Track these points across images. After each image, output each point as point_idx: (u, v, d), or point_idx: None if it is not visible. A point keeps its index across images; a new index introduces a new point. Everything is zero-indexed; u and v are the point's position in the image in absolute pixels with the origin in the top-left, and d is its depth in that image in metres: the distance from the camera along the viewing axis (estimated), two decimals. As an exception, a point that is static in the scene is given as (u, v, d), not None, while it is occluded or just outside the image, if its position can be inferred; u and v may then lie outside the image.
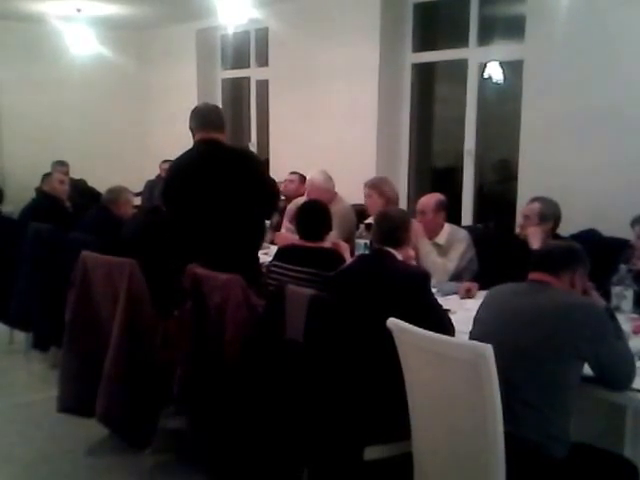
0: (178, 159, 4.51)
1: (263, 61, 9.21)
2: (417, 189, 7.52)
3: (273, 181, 4.67)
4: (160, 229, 4.76)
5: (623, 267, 3.90)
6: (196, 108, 4.53)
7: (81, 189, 8.56)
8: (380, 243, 3.61)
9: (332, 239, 4.50)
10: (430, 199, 5.05)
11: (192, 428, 4.04)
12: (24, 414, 4.93)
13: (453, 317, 3.58)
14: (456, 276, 4.80)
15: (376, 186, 5.47)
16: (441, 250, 4.94)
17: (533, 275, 2.99)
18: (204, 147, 4.36)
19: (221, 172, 4.25)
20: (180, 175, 4.43)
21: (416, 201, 5.26)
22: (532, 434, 2.70)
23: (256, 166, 4.53)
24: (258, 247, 4.62)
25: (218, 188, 4.24)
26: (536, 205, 4.57)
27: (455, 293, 4.46)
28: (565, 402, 2.76)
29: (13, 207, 7.62)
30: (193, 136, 4.44)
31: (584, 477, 2.74)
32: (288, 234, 5.69)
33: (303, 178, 6.72)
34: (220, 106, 6.70)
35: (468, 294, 4.41)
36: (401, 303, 3.20)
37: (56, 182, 6.95)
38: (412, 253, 3.84)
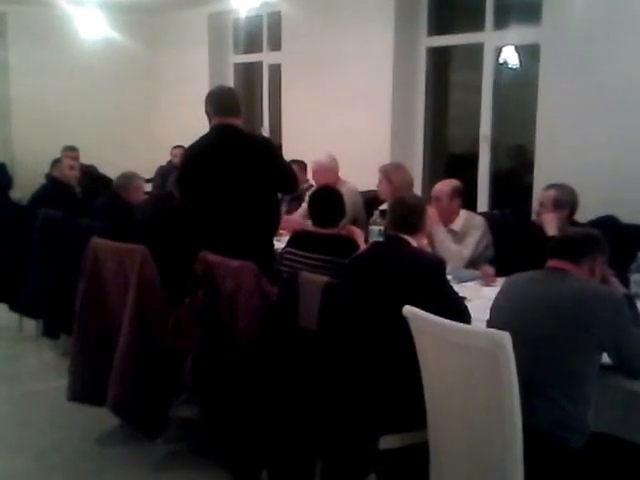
0: (194, 144, 4.49)
1: (276, 45, 9.14)
2: (432, 175, 7.45)
3: (289, 166, 4.64)
4: (171, 215, 4.76)
5: (642, 255, 3.87)
6: (211, 92, 4.50)
7: (91, 175, 8.51)
8: (395, 230, 3.59)
9: (343, 223, 4.46)
10: (445, 185, 5.02)
11: (204, 417, 4.01)
12: (34, 403, 4.92)
13: (470, 305, 3.54)
14: (472, 263, 4.75)
15: (386, 172, 5.45)
16: (457, 237, 4.90)
17: (552, 262, 2.94)
18: (220, 132, 4.35)
19: (237, 158, 4.25)
20: (195, 160, 4.43)
21: (431, 187, 5.22)
22: (550, 424, 2.67)
23: (272, 151, 4.49)
24: (273, 234, 4.60)
25: (233, 174, 4.23)
26: (551, 192, 4.51)
27: (472, 280, 4.40)
28: (584, 392, 2.72)
29: (22, 193, 7.60)
30: (209, 120, 4.41)
31: (603, 467, 2.71)
32: (294, 217, 5.82)
33: (304, 165, 6.77)
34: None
35: (488, 279, 4.34)
36: (416, 290, 3.18)
37: (66, 168, 6.93)
38: (424, 240, 3.81)
